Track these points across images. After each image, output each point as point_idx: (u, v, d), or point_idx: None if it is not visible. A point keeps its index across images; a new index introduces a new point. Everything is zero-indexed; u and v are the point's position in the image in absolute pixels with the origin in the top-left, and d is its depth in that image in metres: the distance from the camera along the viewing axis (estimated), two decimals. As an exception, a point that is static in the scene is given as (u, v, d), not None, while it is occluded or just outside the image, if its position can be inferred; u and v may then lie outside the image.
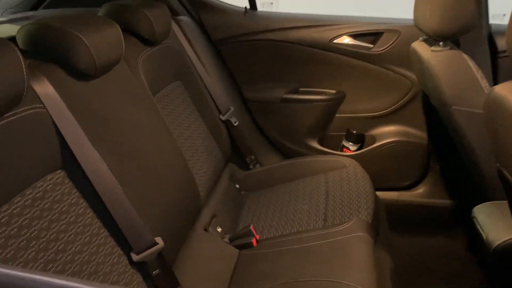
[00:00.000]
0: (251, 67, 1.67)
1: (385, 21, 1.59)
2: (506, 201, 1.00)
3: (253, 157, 1.59)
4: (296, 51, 1.61)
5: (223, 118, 1.50)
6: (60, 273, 0.73)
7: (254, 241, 1.21)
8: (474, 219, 0.98)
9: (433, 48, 1.18)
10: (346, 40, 1.60)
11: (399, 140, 1.61)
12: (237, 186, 1.52)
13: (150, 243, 0.90)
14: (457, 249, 1.55)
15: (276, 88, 1.66)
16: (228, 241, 1.24)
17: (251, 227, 1.24)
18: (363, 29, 1.59)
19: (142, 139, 1.05)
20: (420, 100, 1.57)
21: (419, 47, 1.27)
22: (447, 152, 1.56)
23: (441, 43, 1.17)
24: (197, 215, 1.23)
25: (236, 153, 1.57)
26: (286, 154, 1.68)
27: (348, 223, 1.16)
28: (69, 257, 0.76)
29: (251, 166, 1.59)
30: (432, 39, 1.19)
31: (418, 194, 1.67)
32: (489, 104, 0.75)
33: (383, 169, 1.63)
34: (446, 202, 1.64)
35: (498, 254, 0.87)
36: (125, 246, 0.87)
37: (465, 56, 1.09)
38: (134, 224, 0.88)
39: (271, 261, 1.11)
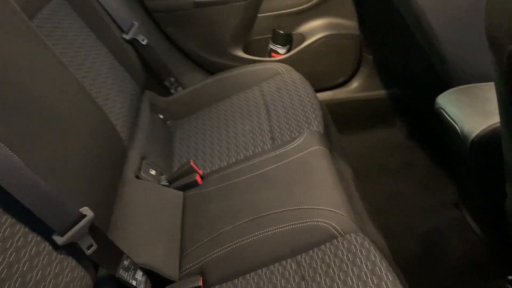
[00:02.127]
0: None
1: None
2: (470, 85, 0.92)
3: (172, 79, 1.36)
4: None
5: (127, 37, 1.22)
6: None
7: (198, 177, 1.04)
8: (442, 110, 0.89)
9: None
10: None
11: (330, 34, 1.46)
12: (161, 116, 1.30)
13: (75, 217, 0.69)
14: (400, 138, 1.51)
15: (185, -9, 1.39)
16: (166, 183, 1.05)
17: (191, 162, 1.06)
18: None
19: (28, 80, 0.78)
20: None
21: None
22: (381, 40, 1.45)
23: None
24: (123, 162, 1.02)
25: (152, 78, 1.32)
26: (210, 69, 1.46)
27: (300, 138, 1.02)
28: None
29: (172, 90, 1.37)
30: None
31: (353, 89, 1.58)
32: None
33: (316, 69, 1.50)
34: (382, 93, 1.57)
35: (477, 145, 0.79)
36: (43, 230, 0.66)
37: None
38: (46, 199, 0.66)
39: (225, 198, 0.95)
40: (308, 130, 1.05)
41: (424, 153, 1.42)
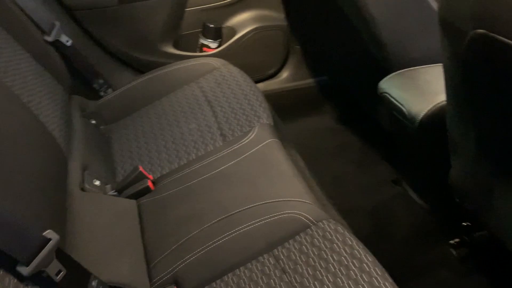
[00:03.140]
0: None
1: None
2: (409, 69, 0.98)
3: (101, 81, 1.27)
4: None
5: (49, 39, 1.12)
6: None
7: (150, 183, 0.99)
8: (386, 95, 0.94)
9: None
10: None
11: (259, 26, 1.46)
12: (93, 122, 1.21)
13: (39, 243, 0.62)
14: (331, 123, 1.58)
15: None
16: (115, 193, 0.99)
17: (140, 168, 1.00)
18: None
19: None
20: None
21: None
22: (310, 30, 1.49)
23: None
24: (66, 175, 0.93)
25: (79, 81, 1.23)
26: (141, 68, 1.38)
27: (252, 133, 1.02)
28: None
29: (101, 93, 1.28)
30: None
31: (283, 79, 1.61)
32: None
33: (248, 61, 1.49)
34: (310, 81, 1.62)
35: (425, 125, 0.85)
36: (5, 261, 0.58)
37: None
38: (5, 226, 0.58)
39: (185, 201, 0.92)
40: (258, 124, 1.05)
41: (355, 135, 1.50)
